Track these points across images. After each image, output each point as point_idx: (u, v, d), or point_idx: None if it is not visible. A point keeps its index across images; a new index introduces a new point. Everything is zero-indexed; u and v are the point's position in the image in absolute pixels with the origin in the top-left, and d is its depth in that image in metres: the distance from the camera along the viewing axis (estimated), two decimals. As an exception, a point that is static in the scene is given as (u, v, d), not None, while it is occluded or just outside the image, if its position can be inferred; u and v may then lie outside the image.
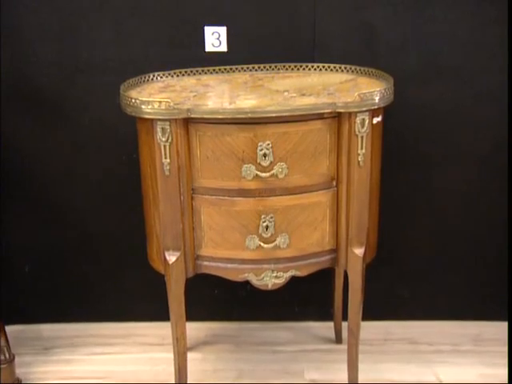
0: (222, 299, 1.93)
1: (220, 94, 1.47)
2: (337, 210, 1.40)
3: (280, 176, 1.33)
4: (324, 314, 1.92)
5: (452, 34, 1.68)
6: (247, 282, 1.41)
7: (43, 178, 1.81)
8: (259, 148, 1.31)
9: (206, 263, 1.42)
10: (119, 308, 1.93)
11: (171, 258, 1.40)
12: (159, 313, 1.70)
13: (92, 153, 1.79)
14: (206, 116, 1.29)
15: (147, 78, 1.58)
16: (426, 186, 1.81)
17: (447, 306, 1.91)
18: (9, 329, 1.69)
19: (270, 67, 1.66)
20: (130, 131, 1.54)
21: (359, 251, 1.42)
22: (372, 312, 1.80)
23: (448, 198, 1.82)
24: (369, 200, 1.40)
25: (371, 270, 1.54)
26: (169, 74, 1.61)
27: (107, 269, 1.90)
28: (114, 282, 1.91)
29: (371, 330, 1.86)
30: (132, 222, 1.79)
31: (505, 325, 1.83)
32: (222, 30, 1.69)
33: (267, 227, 1.36)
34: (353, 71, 1.62)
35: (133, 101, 1.33)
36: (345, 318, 1.55)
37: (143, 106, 1.31)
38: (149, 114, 1.31)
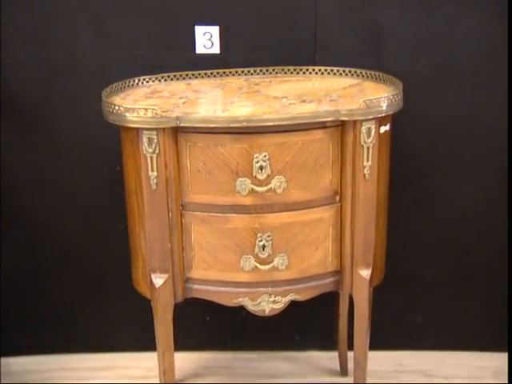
0: (214, 326, 1.94)
1: (212, 100, 1.50)
2: (340, 227, 1.43)
3: (278, 190, 1.36)
4: (327, 343, 1.93)
5: (468, 35, 1.70)
6: (242, 308, 1.43)
7: (15, 192, 1.82)
8: (255, 160, 1.34)
9: (196, 286, 1.44)
10: (100, 337, 1.94)
11: (158, 280, 1.42)
12: (145, 342, 1.72)
13: (70, 165, 1.81)
14: (196, 125, 1.32)
15: (132, 82, 1.61)
16: (438, 201, 1.83)
17: (465, 334, 1.92)
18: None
19: (267, 71, 1.69)
20: (113, 141, 1.56)
21: (366, 273, 1.45)
22: (381, 341, 1.81)
23: (464, 214, 1.84)
24: (376, 216, 1.43)
25: (379, 294, 1.56)
26: (156, 79, 1.64)
27: (86, 293, 1.91)
28: (94, 308, 1.92)
29: (380, 360, 1.87)
30: (115, 242, 1.81)
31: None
32: (215, 30, 1.72)
33: (264, 247, 1.39)
34: (358, 75, 1.65)
35: (116, 108, 1.35)
36: (350, 347, 1.57)
37: (127, 114, 1.34)
38: (134, 122, 1.33)
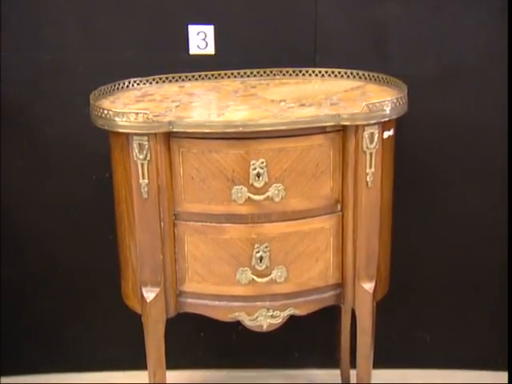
0: (208, 343, 1.95)
1: (206, 104, 1.52)
2: (342, 237, 1.44)
3: (276, 199, 1.38)
4: (329, 361, 1.94)
5: (476, 35, 1.72)
6: (238, 323, 1.45)
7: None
8: (252, 167, 1.36)
9: (190, 301, 1.45)
10: (88, 355, 1.94)
11: (149, 294, 1.43)
12: (135, 360, 1.73)
13: (56, 172, 1.82)
14: (190, 130, 1.33)
15: (122, 85, 1.62)
16: (445, 209, 1.84)
17: (474, 351, 1.93)
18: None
19: (265, 73, 1.71)
20: (102, 147, 1.58)
21: (369, 286, 1.46)
22: (385, 358, 1.80)
23: (473, 224, 1.85)
24: (379, 226, 1.45)
25: (383, 308, 1.57)
26: (147, 81, 1.65)
27: (73, 308, 1.92)
28: (82, 323, 1.92)
29: (384, 379, 1.86)
30: (104, 253, 1.82)
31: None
32: (209, 30, 1.74)
33: (261, 258, 1.40)
34: (360, 77, 1.67)
35: (105, 112, 1.37)
36: (353, 364, 1.58)
37: (117, 119, 1.35)
38: (124, 127, 1.35)
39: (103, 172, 1.74)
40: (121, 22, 1.73)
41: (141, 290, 1.44)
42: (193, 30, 1.74)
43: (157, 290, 1.43)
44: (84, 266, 1.89)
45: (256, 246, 1.40)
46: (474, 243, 1.87)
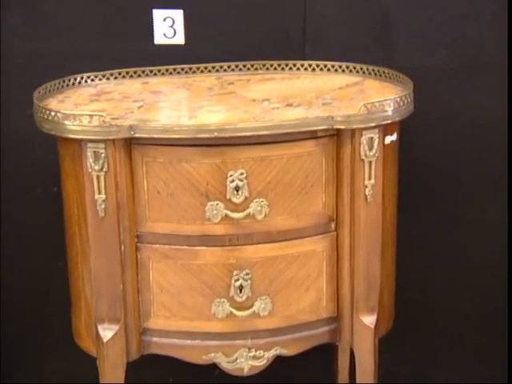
0: (179, 390, 1.95)
1: (175, 104, 1.52)
2: (337, 262, 1.45)
3: (258, 217, 1.38)
4: (324, 408, 1.95)
5: (497, 19, 1.72)
6: (215, 366, 1.44)
7: None
8: (229, 179, 1.36)
9: (156, 340, 1.45)
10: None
11: (106, 333, 1.42)
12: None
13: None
14: (155, 135, 1.33)
15: (73, 80, 1.62)
16: (460, 227, 1.85)
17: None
18: None
19: (245, 66, 1.72)
20: (49, 156, 1.57)
21: (369, 320, 1.47)
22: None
23: (490, 241, 1.86)
24: (381, 248, 1.45)
25: (388, 346, 1.58)
26: (103, 76, 1.65)
27: (15, 352, 1.90)
28: (26, 370, 1.91)
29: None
30: (51, 284, 1.81)
31: None
32: (178, 15, 1.75)
33: (241, 288, 1.40)
34: (358, 71, 1.68)
35: (52, 114, 1.36)
36: (352, 413, 1.59)
37: (67, 122, 1.34)
38: (75, 132, 1.34)
39: (50, 185, 1.73)
40: (72, 4, 1.73)
41: (96, 327, 1.43)
42: (158, 14, 1.74)
43: (115, 327, 1.42)
44: (27, 300, 1.87)
45: (235, 272, 1.40)
46: (498, 265, 1.86)
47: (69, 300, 1.52)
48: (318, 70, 1.71)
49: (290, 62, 1.72)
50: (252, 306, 1.41)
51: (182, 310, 1.42)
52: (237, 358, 1.44)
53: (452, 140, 1.81)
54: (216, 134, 1.32)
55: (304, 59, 1.73)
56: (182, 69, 1.70)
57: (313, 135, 1.37)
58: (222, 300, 1.41)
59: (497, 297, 1.91)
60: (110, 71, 1.66)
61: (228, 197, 1.36)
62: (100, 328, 1.43)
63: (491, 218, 1.85)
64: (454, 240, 1.88)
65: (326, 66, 1.71)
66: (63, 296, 1.57)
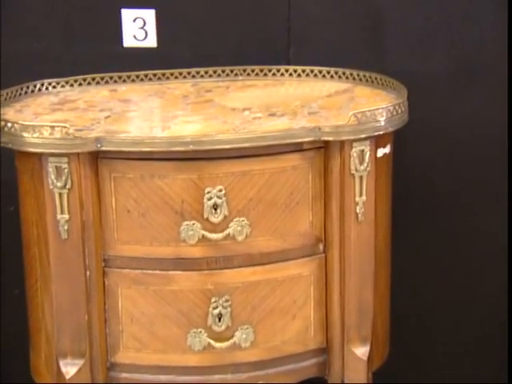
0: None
1: (147, 114, 1.52)
2: (326, 287, 1.45)
3: (239, 238, 1.38)
4: None
5: (498, 20, 1.74)
6: (191, 404, 1.44)
7: None
8: (207, 196, 1.36)
9: (125, 375, 1.44)
10: None
11: (69, 369, 1.41)
12: None
13: None
14: (125, 149, 1.33)
15: (32, 87, 1.62)
16: (460, 246, 1.87)
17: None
18: None
19: (224, 72, 1.73)
20: (6, 171, 1.58)
21: (362, 351, 1.47)
22: None
23: (491, 262, 1.87)
24: (374, 271, 1.46)
25: (382, 379, 1.58)
26: (66, 83, 1.65)
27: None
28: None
29: None
30: (6, 315, 1.80)
31: None
32: (150, 15, 1.76)
33: (220, 316, 1.40)
34: (347, 77, 1.69)
35: (9, 125, 1.36)
36: None
37: (26, 134, 1.34)
38: (35, 146, 1.34)
39: (6, 204, 1.73)
40: (33, 2, 1.73)
41: (57, 363, 1.43)
42: (128, 15, 1.75)
43: (80, 362, 1.41)
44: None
45: (213, 299, 1.40)
46: (500, 288, 1.88)
47: (26, 333, 1.52)
48: (303, 75, 1.72)
49: (273, 67, 1.73)
50: (232, 336, 1.42)
51: (154, 341, 1.42)
52: (216, 395, 1.44)
53: (450, 152, 1.83)
54: (192, 146, 1.32)
55: (288, 64, 1.75)
56: (154, 75, 1.71)
57: (298, 148, 1.38)
58: (199, 330, 1.41)
59: (497, 316, 1.92)
60: (74, 77, 1.66)
61: (205, 216, 1.37)
62: (62, 364, 1.42)
63: (492, 237, 1.87)
64: (452, 261, 1.89)
65: (312, 72, 1.72)
66: (19, 328, 1.56)
